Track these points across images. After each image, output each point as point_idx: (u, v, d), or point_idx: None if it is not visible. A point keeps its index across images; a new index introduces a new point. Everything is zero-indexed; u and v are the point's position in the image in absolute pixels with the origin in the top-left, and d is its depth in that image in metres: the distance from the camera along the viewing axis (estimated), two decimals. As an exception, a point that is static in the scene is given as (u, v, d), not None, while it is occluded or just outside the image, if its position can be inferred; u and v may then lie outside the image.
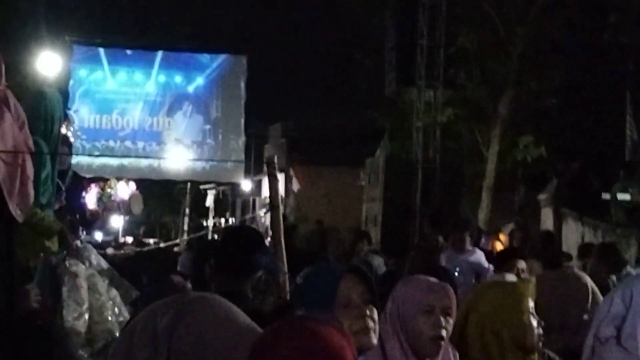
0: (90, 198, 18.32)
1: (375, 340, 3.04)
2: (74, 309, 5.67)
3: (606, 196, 19.96)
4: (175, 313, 2.45)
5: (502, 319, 3.91)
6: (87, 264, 6.09)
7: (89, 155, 32.12)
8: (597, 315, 3.97)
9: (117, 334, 5.71)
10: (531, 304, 3.94)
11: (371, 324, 3.00)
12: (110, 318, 5.91)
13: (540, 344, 3.93)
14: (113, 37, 31.77)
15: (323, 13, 32.27)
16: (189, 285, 5.55)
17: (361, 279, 3.05)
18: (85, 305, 5.83)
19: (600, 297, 5.01)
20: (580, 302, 4.80)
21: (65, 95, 7.18)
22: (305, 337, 2.17)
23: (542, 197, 23.32)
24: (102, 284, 6.05)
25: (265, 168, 6.26)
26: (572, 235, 19.98)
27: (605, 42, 21.43)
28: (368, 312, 3.01)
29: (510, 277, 5.97)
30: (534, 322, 3.89)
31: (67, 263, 5.88)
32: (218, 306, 2.53)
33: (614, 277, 8.13)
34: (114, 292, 6.12)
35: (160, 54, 33.65)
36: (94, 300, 5.90)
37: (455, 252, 9.29)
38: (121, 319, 5.92)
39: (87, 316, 5.79)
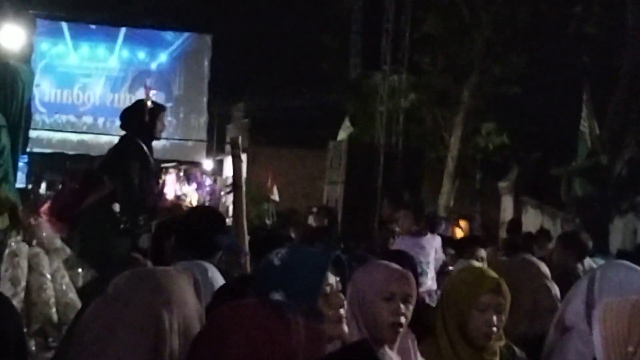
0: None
1: (347, 329, 3.01)
2: (9, 288, 5.55)
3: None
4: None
5: (453, 308, 3.95)
6: (35, 242, 5.96)
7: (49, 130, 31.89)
8: (562, 304, 3.97)
9: (55, 318, 5.62)
10: (490, 300, 3.91)
11: (343, 312, 2.97)
12: (50, 300, 5.79)
13: (491, 342, 3.91)
14: (77, 11, 31.41)
15: (289, -6, 32.12)
16: (148, 263, 5.48)
17: (340, 268, 3.02)
18: (21, 285, 5.71)
19: (555, 286, 5.01)
20: (532, 290, 4.79)
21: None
22: (256, 322, 2.16)
23: (502, 184, 23.45)
24: (46, 264, 5.92)
25: (227, 148, 6.19)
26: (532, 223, 20.09)
27: (570, 32, 21.51)
28: (343, 302, 2.98)
29: (476, 264, 5.97)
30: (482, 316, 3.87)
31: (10, 241, 5.76)
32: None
33: (580, 266, 8.16)
34: (63, 273, 5.99)
35: (124, 29, 33.38)
36: (34, 281, 5.78)
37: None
38: (67, 300, 5.81)
39: (22, 295, 5.68)
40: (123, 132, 8.05)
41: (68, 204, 7.39)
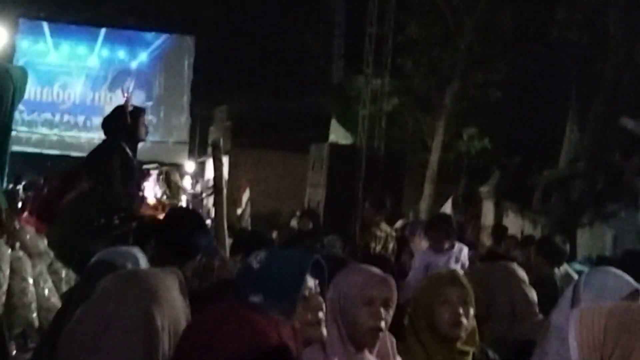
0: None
1: (325, 332, 3.01)
2: None
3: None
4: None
5: (420, 307, 4.08)
6: (18, 246, 5.91)
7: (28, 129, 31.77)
8: (556, 307, 4.01)
9: (36, 322, 5.57)
10: (450, 291, 3.99)
11: (322, 315, 2.97)
12: (31, 304, 5.74)
13: (462, 333, 3.98)
14: (59, 11, 31.34)
15: (273, -4, 32.14)
16: (129, 265, 5.44)
17: (319, 272, 3.02)
18: (2, 289, 5.66)
19: (533, 291, 5.02)
20: (509, 295, 4.81)
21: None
22: (236, 324, 2.15)
23: (484, 189, 23.49)
24: (28, 269, 5.87)
25: (209, 150, 6.18)
26: (513, 228, 20.12)
27: (552, 37, 21.59)
28: (322, 305, 2.98)
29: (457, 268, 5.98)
30: (447, 308, 3.95)
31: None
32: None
33: (556, 271, 8.19)
34: (46, 278, 5.96)
35: (104, 30, 33.36)
36: (16, 285, 5.74)
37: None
38: (49, 305, 5.77)
39: (3, 299, 5.63)
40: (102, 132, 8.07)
41: (47, 202, 7.37)
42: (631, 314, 1.98)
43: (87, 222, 7.19)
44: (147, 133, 8.14)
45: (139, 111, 8.12)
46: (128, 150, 7.78)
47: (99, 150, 7.81)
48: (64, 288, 5.57)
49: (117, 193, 7.51)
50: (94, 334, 2.38)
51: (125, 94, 8.08)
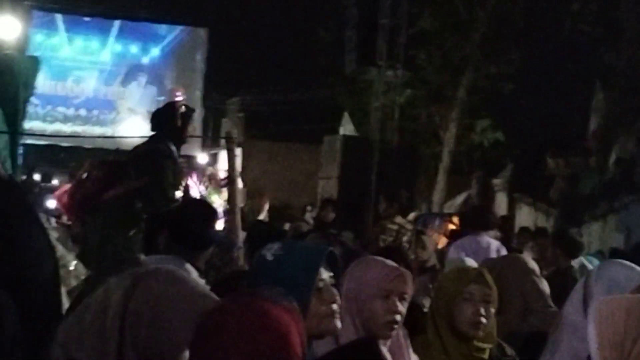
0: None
1: (339, 324, 3.01)
2: None
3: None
4: (130, 284, 2.40)
5: (442, 301, 4.03)
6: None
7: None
8: (568, 299, 4.00)
9: None
10: (474, 290, 3.97)
11: (336, 307, 2.97)
12: None
13: (480, 332, 3.96)
14: (72, 2, 31.39)
15: (286, -12, 32.14)
16: (142, 256, 5.46)
17: (333, 264, 3.02)
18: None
19: (545, 283, 5.01)
20: (521, 288, 4.79)
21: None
22: (253, 314, 2.14)
23: (496, 181, 23.44)
24: None
25: (222, 142, 6.18)
26: (525, 220, 20.09)
27: (565, 29, 21.53)
28: (337, 297, 2.97)
29: (471, 262, 5.97)
30: (469, 307, 3.92)
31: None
32: (174, 274, 2.48)
33: (574, 263, 8.19)
34: (75, 262, 5.98)
35: (118, 22, 33.40)
36: None
37: None
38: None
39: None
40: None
41: (91, 193, 7.37)
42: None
43: (131, 220, 7.19)
44: (191, 134, 8.15)
45: (189, 113, 8.09)
46: (175, 151, 7.79)
47: (150, 148, 7.75)
48: (73, 281, 5.56)
49: (167, 194, 7.51)
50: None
51: (179, 95, 8.12)
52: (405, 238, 10.77)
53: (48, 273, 2.99)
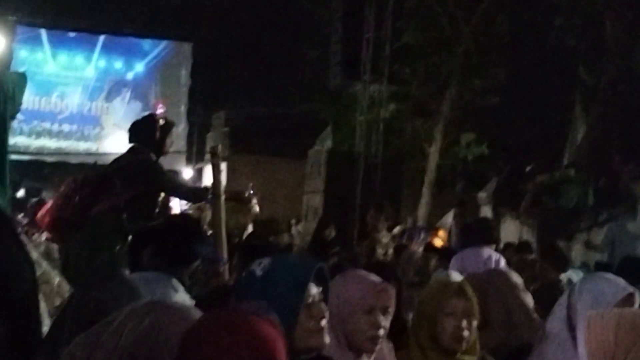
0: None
1: (328, 340, 3.01)
2: None
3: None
4: (143, 316, 2.41)
5: (423, 316, 4.03)
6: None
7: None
8: (551, 313, 4.02)
9: None
10: (456, 303, 3.96)
11: (325, 323, 2.97)
12: None
13: (463, 346, 3.95)
14: (57, 18, 31.36)
15: (270, 3, 32.15)
16: (127, 272, 5.44)
17: (322, 279, 3.02)
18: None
19: (529, 296, 5.02)
20: (504, 301, 4.80)
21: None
22: (237, 328, 2.13)
23: (481, 195, 23.45)
24: None
25: (207, 157, 6.17)
26: (510, 234, 20.10)
27: (550, 43, 21.61)
28: (325, 313, 2.98)
29: (456, 276, 5.97)
30: (451, 320, 3.92)
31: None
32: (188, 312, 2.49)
33: (563, 276, 8.21)
34: (58, 279, 5.95)
35: (102, 37, 33.40)
36: None
37: None
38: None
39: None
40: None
41: (79, 210, 7.34)
42: (641, 320, 1.98)
43: (117, 234, 7.18)
44: (170, 147, 8.14)
45: (168, 126, 8.09)
46: None
47: (133, 160, 7.75)
48: (56, 298, 5.53)
49: (152, 207, 7.54)
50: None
51: (161, 108, 8.17)
52: (390, 252, 10.81)
53: (25, 289, 2.97)
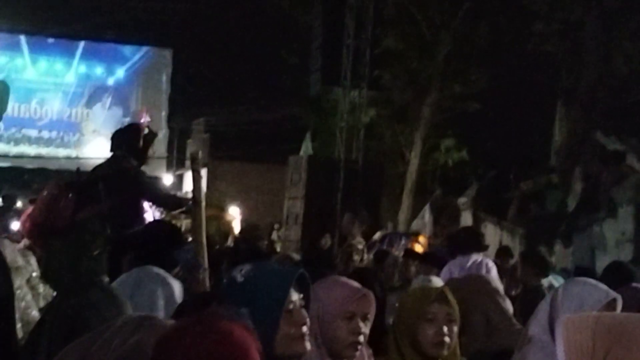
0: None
1: (309, 346, 3.01)
2: None
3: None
4: (133, 330, 2.40)
5: (404, 322, 4.01)
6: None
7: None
8: (533, 317, 4.03)
9: (20, 334, 5.53)
10: (437, 309, 3.96)
11: (306, 329, 2.96)
12: (15, 317, 5.73)
13: (444, 352, 3.95)
14: (37, 24, 31.26)
15: (250, 9, 32.14)
16: (105, 278, 5.42)
17: (303, 286, 3.02)
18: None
19: (508, 301, 5.03)
20: (484, 307, 4.81)
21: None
22: (211, 333, 2.12)
23: (462, 200, 23.52)
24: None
25: (187, 163, 6.16)
26: (490, 239, 20.15)
27: (529, 49, 21.70)
28: (306, 319, 2.98)
29: (437, 281, 5.98)
30: (432, 326, 3.92)
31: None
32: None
33: (544, 281, 8.23)
34: (26, 291, 5.92)
35: (82, 43, 33.30)
36: None
37: None
38: (28, 319, 5.74)
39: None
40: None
41: (63, 216, 7.33)
42: (620, 324, 1.98)
43: (99, 241, 7.17)
44: (151, 157, 8.19)
45: (151, 135, 8.13)
46: None
47: (118, 168, 7.77)
48: (42, 303, 5.52)
49: (136, 215, 7.55)
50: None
51: (145, 117, 8.20)
52: (365, 257, 10.81)
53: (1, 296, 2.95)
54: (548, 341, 3.81)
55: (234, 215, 20.28)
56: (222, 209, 19.51)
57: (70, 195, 7.39)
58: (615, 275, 5.85)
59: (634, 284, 6.37)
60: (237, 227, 18.72)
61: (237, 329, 2.16)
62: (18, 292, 5.89)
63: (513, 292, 8.71)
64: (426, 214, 22.65)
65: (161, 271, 4.59)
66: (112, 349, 2.36)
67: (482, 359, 4.48)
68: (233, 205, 22.02)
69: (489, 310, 4.81)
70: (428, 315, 3.96)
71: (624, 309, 3.78)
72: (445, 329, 3.95)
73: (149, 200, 8.12)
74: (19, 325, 5.73)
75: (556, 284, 8.13)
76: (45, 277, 6.17)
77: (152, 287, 4.43)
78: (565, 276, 9.22)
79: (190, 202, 6.77)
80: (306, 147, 26.47)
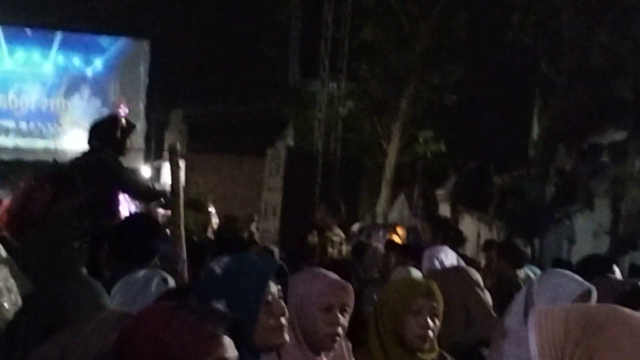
0: None
1: (287, 337, 3.01)
2: None
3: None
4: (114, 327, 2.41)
5: (388, 313, 4.00)
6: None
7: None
8: (509, 309, 4.05)
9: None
10: (423, 303, 3.98)
11: (285, 321, 2.97)
12: (6, 305, 5.72)
13: (426, 345, 3.97)
14: (14, 14, 31.06)
15: (229, 0, 32.07)
16: (84, 270, 5.42)
17: (282, 277, 3.02)
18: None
19: (487, 294, 5.06)
20: (463, 299, 4.83)
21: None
22: (170, 323, 2.13)
23: (440, 192, 23.58)
24: None
25: (165, 155, 6.15)
26: (468, 231, 20.22)
27: (507, 41, 21.77)
28: (285, 310, 2.98)
29: (416, 273, 5.99)
30: (417, 320, 3.93)
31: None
32: None
33: (520, 273, 8.26)
34: (12, 282, 5.93)
35: (59, 34, 33.12)
36: None
37: None
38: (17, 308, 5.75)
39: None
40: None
41: (40, 206, 7.30)
42: (591, 315, 1.99)
43: (77, 233, 7.16)
44: (129, 149, 8.19)
45: (129, 127, 8.13)
46: None
47: (95, 160, 7.77)
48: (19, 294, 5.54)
49: (112, 208, 7.57)
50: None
51: (123, 108, 8.22)
52: (344, 249, 10.81)
53: None
54: (524, 333, 3.83)
55: (212, 211, 20.32)
56: (202, 205, 19.55)
57: (47, 186, 7.37)
58: (591, 267, 5.88)
59: (609, 275, 6.41)
60: (214, 222, 18.73)
61: (200, 317, 2.16)
62: (5, 283, 5.90)
63: (487, 283, 8.75)
64: (400, 205, 22.73)
65: (167, 275, 4.59)
66: (92, 346, 2.36)
67: (460, 351, 4.49)
68: (210, 199, 22.00)
69: (469, 302, 4.83)
70: (414, 308, 3.97)
71: (599, 300, 3.81)
72: (430, 322, 3.97)
73: (126, 192, 8.13)
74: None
75: (532, 276, 8.17)
76: (23, 269, 6.16)
77: (158, 289, 4.42)
78: (542, 268, 9.27)
79: (169, 194, 6.77)
80: (289, 139, 26.50)
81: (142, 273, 4.51)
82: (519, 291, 5.11)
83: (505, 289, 7.05)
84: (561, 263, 9.26)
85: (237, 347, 2.22)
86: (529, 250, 8.73)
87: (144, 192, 8.24)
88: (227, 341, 2.16)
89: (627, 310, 2.00)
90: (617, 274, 6.46)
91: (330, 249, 10.80)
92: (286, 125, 28.18)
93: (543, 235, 18.43)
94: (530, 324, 2.01)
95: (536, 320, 2.00)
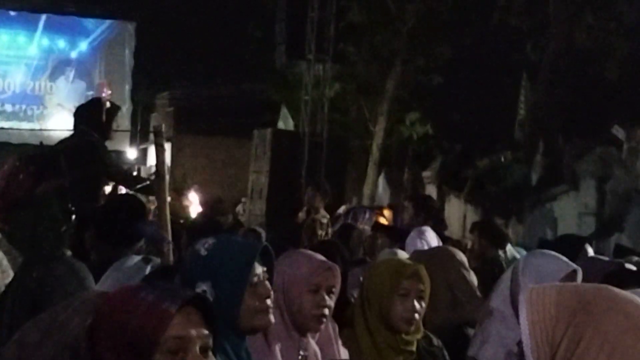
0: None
1: (273, 319, 3.01)
2: None
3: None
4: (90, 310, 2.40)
5: (374, 295, 3.99)
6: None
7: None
8: (494, 289, 4.06)
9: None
10: (410, 285, 3.98)
11: (270, 302, 2.97)
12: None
13: (412, 328, 3.98)
14: (-3, -3, 30.93)
15: (214, -18, 31.99)
16: (68, 252, 5.40)
17: (267, 259, 3.01)
18: None
19: (473, 275, 5.07)
20: (448, 280, 4.84)
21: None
22: (122, 305, 2.16)
23: (426, 174, 23.59)
24: None
25: (151, 137, 6.14)
26: (455, 213, 20.27)
27: (494, 22, 21.77)
28: (270, 292, 2.98)
29: (402, 254, 5.99)
30: (404, 302, 3.94)
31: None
32: None
33: (501, 253, 8.28)
34: (1, 255, 5.94)
35: (44, 16, 33.00)
36: None
37: None
38: (7, 280, 5.76)
39: None
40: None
41: (25, 188, 7.28)
42: (582, 294, 2.00)
43: (62, 215, 7.14)
44: (115, 132, 8.21)
45: (114, 109, 8.13)
46: None
47: (80, 141, 7.77)
48: (2, 277, 5.53)
49: (96, 190, 7.56)
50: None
51: (106, 91, 8.24)
52: (330, 231, 10.82)
53: None
54: (510, 313, 3.84)
55: (192, 200, 20.34)
56: (181, 194, 19.59)
57: (30, 168, 7.34)
58: (564, 247, 5.91)
59: (594, 255, 6.43)
60: (193, 212, 18.75)
61: (152, 297, 2.17)
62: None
63: (472, 264, 8.77)
64: (382, 186, 22.79)
65: (157, 259, 4.58)
66: (71, 328, 2.35)
67: (445, 332, 4.50)
68: (196, 182, 21.97)
69: (454, 283, 4.84)
70: (401, 291, 3.98)
71: (584, 281, 3.82)
72: (416, 305, 3.98)
73: (108, 177, 8.13)
74: None
75: (517, 257, 8.19)
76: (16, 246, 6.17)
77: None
78: (527, 249, 9.29)
79: (153, 176, 6.76)
80: (284, 121, 26.45)
81: (135, 260, 4.50)
82: (501, 271, 5.13)
83: (487, 269, 7.07)
84: (547, 244, 9.29)
85: (214, 326, 2.22)
86: (512, 231, 8.78)
87: (126, 178, 8.25)
88: (185, 318, 2.16)
89: (617, 289, 2.01)
90: (590, 253, 6.50)
91: (320, 231, 10.81)
92: (278, 106, 28.09)
93: (528, 217, 18.46)
94: (521, 303, 2.02)
95: (527, 299, 2.00)
